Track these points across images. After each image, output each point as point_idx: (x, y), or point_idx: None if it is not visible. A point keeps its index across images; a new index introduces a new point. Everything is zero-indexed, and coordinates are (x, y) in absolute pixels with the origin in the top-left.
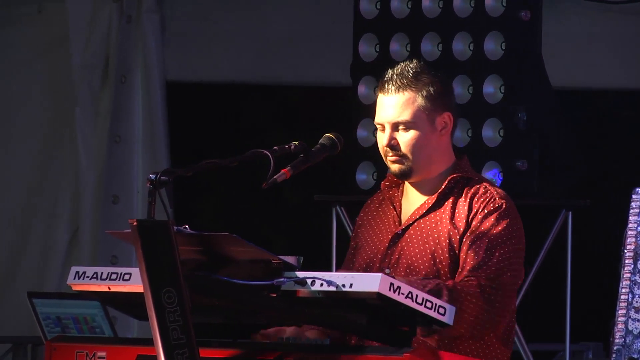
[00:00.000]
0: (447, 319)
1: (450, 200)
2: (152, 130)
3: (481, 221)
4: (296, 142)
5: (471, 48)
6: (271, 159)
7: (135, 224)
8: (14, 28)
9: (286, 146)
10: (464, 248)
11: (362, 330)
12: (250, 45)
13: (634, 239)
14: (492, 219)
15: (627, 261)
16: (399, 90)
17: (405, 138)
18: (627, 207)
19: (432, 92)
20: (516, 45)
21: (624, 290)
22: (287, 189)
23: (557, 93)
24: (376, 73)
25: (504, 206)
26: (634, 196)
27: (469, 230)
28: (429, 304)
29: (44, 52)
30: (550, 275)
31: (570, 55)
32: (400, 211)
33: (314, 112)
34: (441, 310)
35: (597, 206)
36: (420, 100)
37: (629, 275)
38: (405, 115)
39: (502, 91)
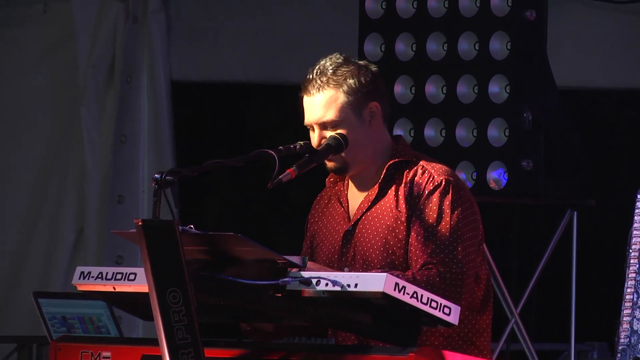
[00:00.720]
0: (452, 318)
1: (393, 187)
2: (157, 130)
3: (424, 203)
4: (301, 142)
5: (477, 48)
6: (276, 158)
7: (140, 223)
8: (19, 27)
9: (291, 146)
10: (413, 234)
11: (367, 330)
12: (256, 45)
13: (639, 239)
14: (434, 198)
15: (632, 261)
16: (319, 89)
17: None
18: (632, 207)
19: (353, 85)
20: (521, 45)
21: (629, 290)
22: (293, 189)
23: (563, 93)
24: (381, 73)
25: (443, 182)
26: (639, 196)
27: (414, 214)
28: (434, 304)
29: (50, 52)
30: (555, 275)
31: (575, 55)
32: (348, 206)
33: None
34: (446, 310)
35: (602, 206)
36: (342, 97)
37: (634, 275)
38: (330, 115)
39: (508, 91)
